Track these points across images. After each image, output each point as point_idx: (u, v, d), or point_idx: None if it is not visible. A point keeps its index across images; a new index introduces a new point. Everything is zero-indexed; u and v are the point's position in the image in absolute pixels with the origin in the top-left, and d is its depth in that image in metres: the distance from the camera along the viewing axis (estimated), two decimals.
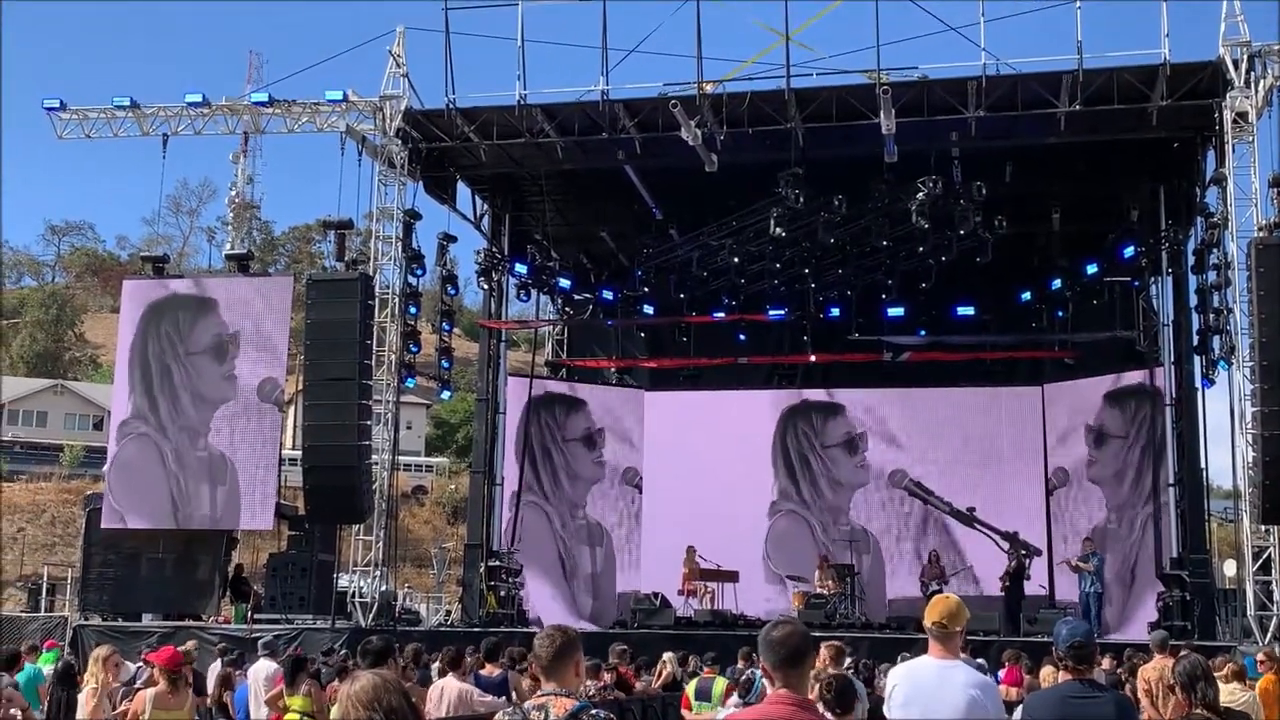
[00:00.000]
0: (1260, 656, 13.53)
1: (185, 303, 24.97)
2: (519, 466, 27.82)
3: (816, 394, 29.47)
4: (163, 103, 25.15)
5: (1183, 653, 8.31)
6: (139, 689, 11.13)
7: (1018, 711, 11.72)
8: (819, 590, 24.59)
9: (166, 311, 24.86)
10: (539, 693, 4.88)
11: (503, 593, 25.37)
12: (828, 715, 6.09)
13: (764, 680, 4.87)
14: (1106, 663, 13.52)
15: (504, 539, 26.83)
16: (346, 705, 3.91)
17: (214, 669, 15.61)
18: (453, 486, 62.62)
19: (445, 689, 10.96)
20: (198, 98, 24.54)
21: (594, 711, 4.73)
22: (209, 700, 15.67)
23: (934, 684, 5.69)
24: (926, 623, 5.92)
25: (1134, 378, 26.34)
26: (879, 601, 27.12)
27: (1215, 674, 12.28)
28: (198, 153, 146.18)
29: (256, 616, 23.42)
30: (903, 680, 5.90)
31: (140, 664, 15.14)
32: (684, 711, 13.26)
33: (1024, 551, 25.92)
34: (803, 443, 29.17)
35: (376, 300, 23.46)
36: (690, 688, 13.51)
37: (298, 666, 11.83)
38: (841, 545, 27.55)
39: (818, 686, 6.77)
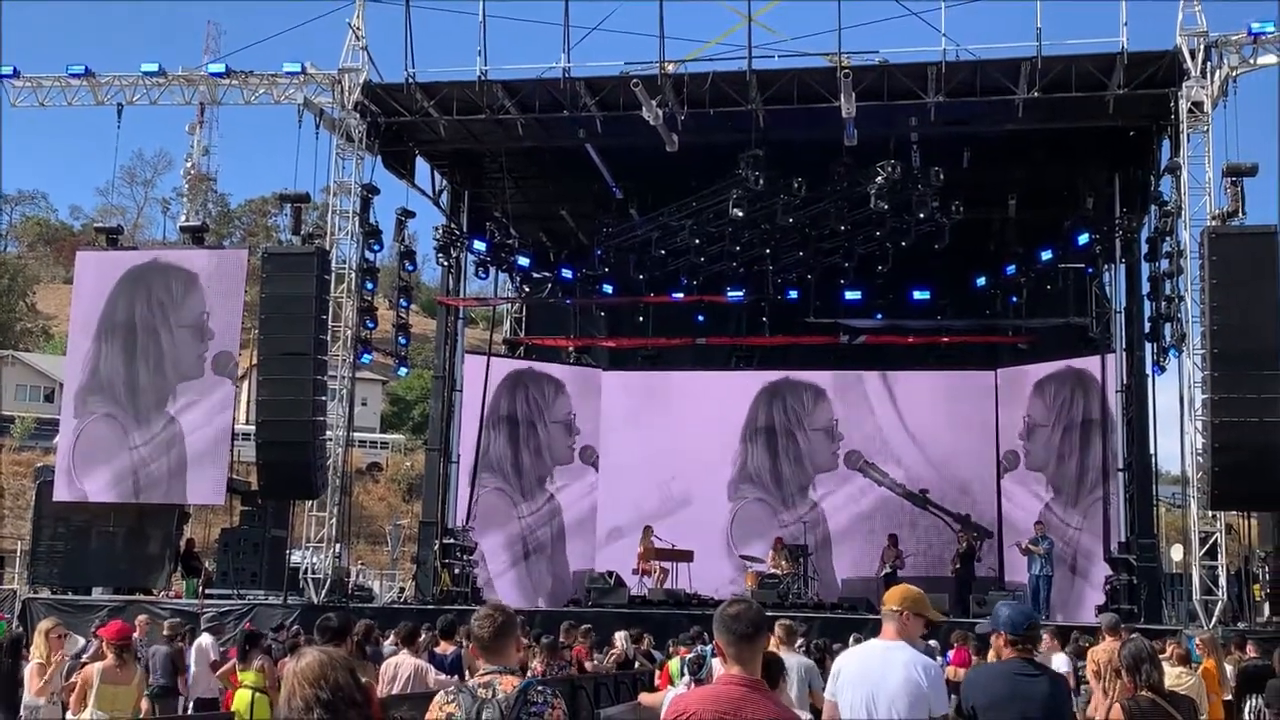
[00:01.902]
0: (1198, 641, 13.75)
1: (174, 272, 24.65)
2: (476, 442, 27.73)
3: (785, 375, 29.56)
4: (118, 72, 24.85)
5: (1130, 636, 8.40)
6: (86, 662, 11.06)
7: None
8: (772, 570, 24.77)
9: (154, 278, 24.53)
10: (482, 670, 4.89)
11: (457, 570, 25.32)
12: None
13: (714, 659, 4.91)
14: (1045, 644, 13.66)
15: (459, 516, 26.78)
16: (293, 682, 3.88)
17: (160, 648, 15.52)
18: (408, 463, 62.50)
19: (399, 666, 10.95)
20: (153, 67, 24.24)
21: (540, 687, 4.76)
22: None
23: (877, 664, 5.78)
24: (883, 607, 6.01)
25: (1069, 365, 26.67)
26: (832, 582, 27.33)
27: (1164, 657, 12.52)
28: (154, 123, 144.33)
29: (208, 592, 23.29)
30: (849, 661, 5.99)
31: (92, 637, 15.06)
32: (642, 694, 13.28)
33: (975, 534, 26.21)
34: (790, 419, 29.26)
35: (333, 275, 23.29)
36: (674, 665, 13.44)
37: (251, 641, 11.78)
38: (797, 526, 27.69)
39: None
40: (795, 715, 4.85)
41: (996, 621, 6.42)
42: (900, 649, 5.77)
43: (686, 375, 29.94)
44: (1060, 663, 13.05)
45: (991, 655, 6.72)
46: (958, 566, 25.55)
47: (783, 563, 25.04)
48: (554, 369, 30.13)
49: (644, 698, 12.37)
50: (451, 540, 25.72)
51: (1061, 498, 26.57)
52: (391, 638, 12.54)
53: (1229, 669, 14.26)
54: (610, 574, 25.04)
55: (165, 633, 15.33)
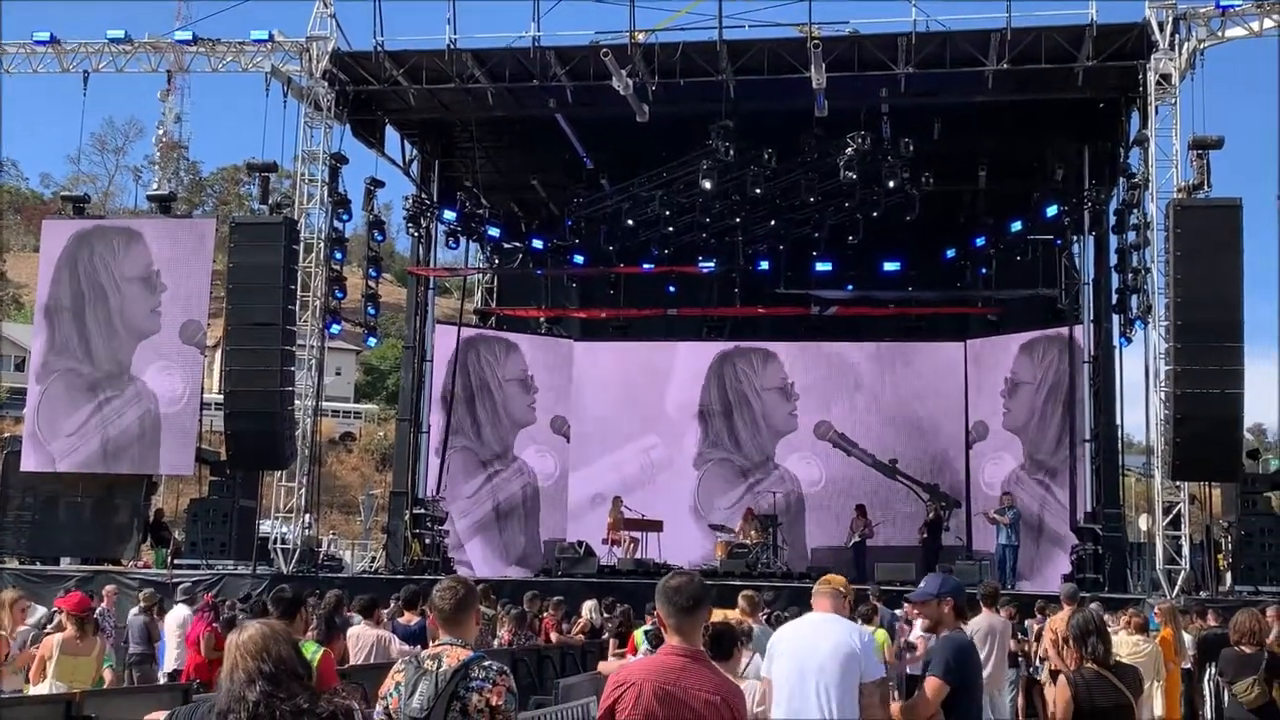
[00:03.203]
0: (1157, 610, 13.93)
1: (117, 232, 24.90)
2: (445, 412, 27.70)
3: (751, 343, 29.64)
4: (84, 39, 24.61)
5: (1080, 607, 8.52)
6: (48, 633, 11.04)
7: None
8: (742, 540, 24.90)
9: (97, 239, 24.65)
10: (436, 642, 4.93)
11: (427, 540, 25.35)
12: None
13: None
14: (1004, 613, 13.85)
15: (430, 486, 26.78)
16: (235, 655, 3.92)
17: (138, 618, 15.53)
18: (381, 433, 62.41)
19: (361, 637, 11.02)
20: (119, 34, 24.03)
21: (486, 663, 4.79)
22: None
23: (810, 634, 5.88)
24: (824, 585, 6.10)
25: (1052, 334, 26.80)
26: (801, 551, 27.50)
27: (1123, 625, 12.69)
28: (127, 90, 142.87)
29: (177, 562, 23.29)
30: (782, 636, 6.11)
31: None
32: (600, 663, 13.38)
33: (943, 503, 26.41)
34: (743, 382, 29.36)
35: (301, 245, 23.18)
36: (639, 634, 13.50)
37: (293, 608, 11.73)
38: (766, 495, 27.83)
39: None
40: (735, 684, 4.91)
41: (944, 589, 6.53)
42: (834, 620, 5.87)
43: (657, 345, 29.97)
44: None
45: (921, 624, 6.85)
46: (925, 536, 25.75)
47: (753, 532, 25.16)
48: (506, 334, 30.09)
49: (603, 666, 12.46)
50: (422, 510, 25.72)
51: (1035, 464, 26.74)
52: (354, 610, 12.58)
53: (1188, 638, 14.46)
54: (580, 544, 25.12)
55: (142, 603, 15.47)
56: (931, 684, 6.30)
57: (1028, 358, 27.27)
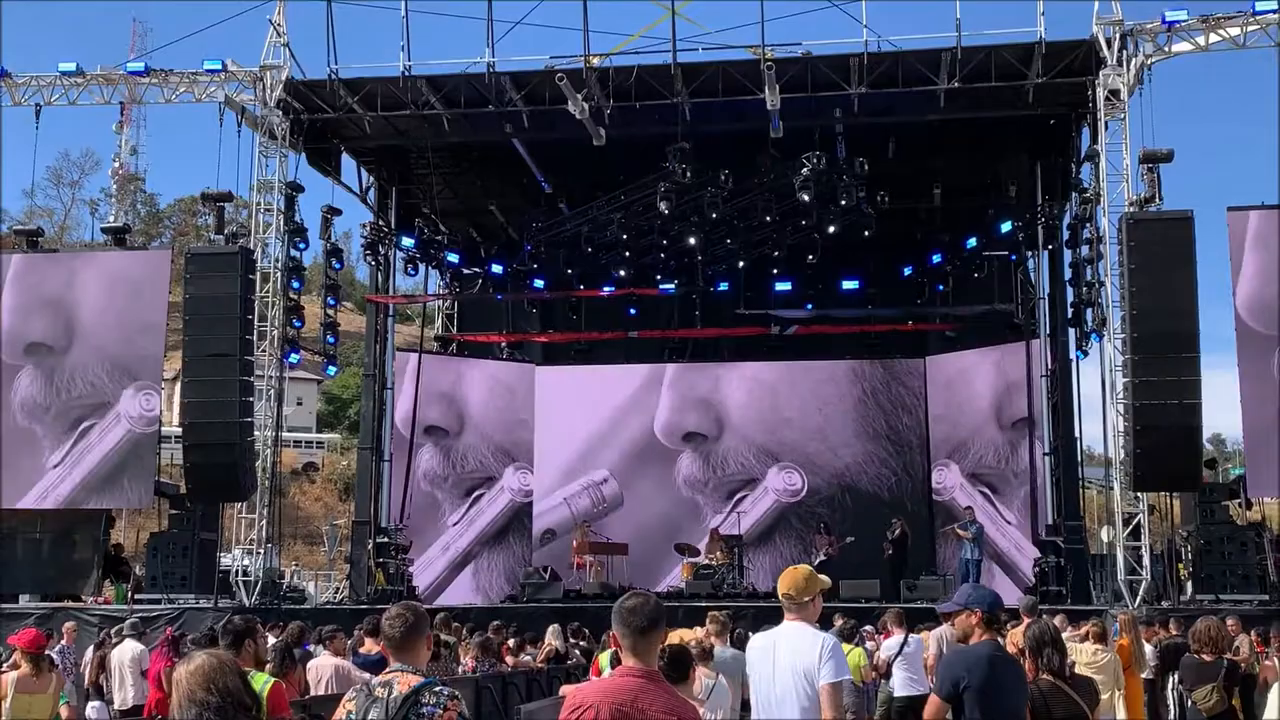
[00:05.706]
0: (1118, 620, 14.02)
1: (115, 277, 24.45)
2: (409, 440, 27.56)
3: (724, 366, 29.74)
4: (36, 72, 24.45)
5: (1035, 619, 8.54)
6: (3, 671, 10.90)
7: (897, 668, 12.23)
8: (708, 561, 24.89)
9: (92, 281, 24.39)
10: (387, 669, 4.89)
11: (391, 569, 25.19)
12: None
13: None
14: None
15: (393, 515, 26.63)
16: (184, 687, 3.88)
17: (88, 652, 15.38)
18: (345, 463, 62.01)
19: (320, 667, 10.92)
20: (71, 66, 23.89)
21: (437, 689, 4.73)
22: (85, 683, 15.52)
23: (775, 642, 6.01)
24: (779, 593, 6.08)
25: (993, 351, 27.20)
26: (766, 571, 27.48)
27: (1076, 633, 12.75)
28: (81, 123, 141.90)
29: (137, 596, 23.02)
30: (753, 645, 6.17)
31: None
32: (564, 687, 13.29)
33: (907, 520, 26.47)
34: (730, 409, 29.42)
35: (258, 274, 23.04)
36: (604, 658, 13.44)
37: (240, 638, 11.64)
38: (732, 516, 27.81)
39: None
40: (692, 706, 4.91)
41: (970, 600, 6.55)
42: (801, 628, 5.96)
43: (619, 368, 29.95)
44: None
45: (953, 632, 6.86)
46: (890, 552, 25.79)
47: (718, 553, 25.15)
48: (500, 367, 30.19)
49: (566, 691, 12.38)
50: (385, 539, 25.57)
51: (991, 481, 26.91)
52: (314, 641, 12.49)
53: (1149, 648, 14.56)
54: (545, 568, 25.05)
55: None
56: (930, 703, 6.40)
57: (966, 385, 27.64)
